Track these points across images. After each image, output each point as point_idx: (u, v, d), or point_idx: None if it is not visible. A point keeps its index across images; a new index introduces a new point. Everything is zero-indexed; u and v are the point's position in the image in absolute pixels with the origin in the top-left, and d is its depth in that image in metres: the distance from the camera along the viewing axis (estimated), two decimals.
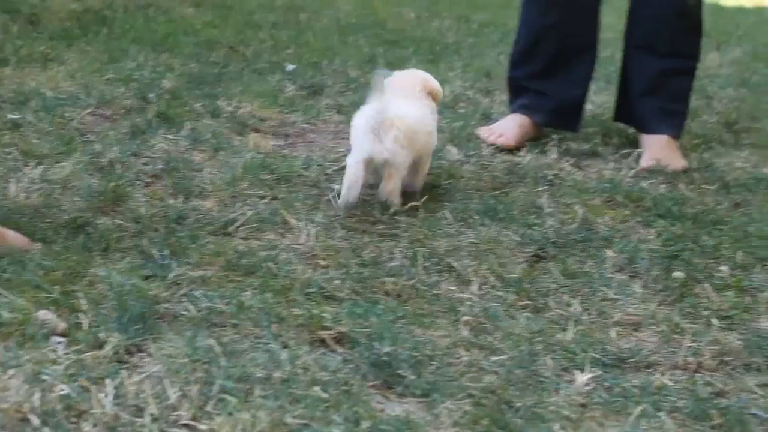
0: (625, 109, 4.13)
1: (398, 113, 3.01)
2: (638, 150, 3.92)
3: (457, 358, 2.25)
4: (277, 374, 2.08)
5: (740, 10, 9.39)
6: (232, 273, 2.57)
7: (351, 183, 3.01)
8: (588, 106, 4.21)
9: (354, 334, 2.28)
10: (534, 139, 3.97)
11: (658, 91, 3.99)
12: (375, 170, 3.06)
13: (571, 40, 3.96)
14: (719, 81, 5.68)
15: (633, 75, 4.08)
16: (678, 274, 2.77)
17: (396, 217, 3.03)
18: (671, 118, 4.00)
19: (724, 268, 2.86)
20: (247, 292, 2.46)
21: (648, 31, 3.95)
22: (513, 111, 4.07)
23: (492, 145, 3.87)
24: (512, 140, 3.88)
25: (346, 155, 3.53)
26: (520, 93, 4.08)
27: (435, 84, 3.31)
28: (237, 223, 2.88)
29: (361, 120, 3.05)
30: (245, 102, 4.11)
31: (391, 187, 3.04)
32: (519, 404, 2.07)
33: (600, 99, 4.64)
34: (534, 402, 2.08)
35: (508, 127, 3.96)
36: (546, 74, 4.00)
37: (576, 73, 4.02)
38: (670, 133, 3.97)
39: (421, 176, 3.23)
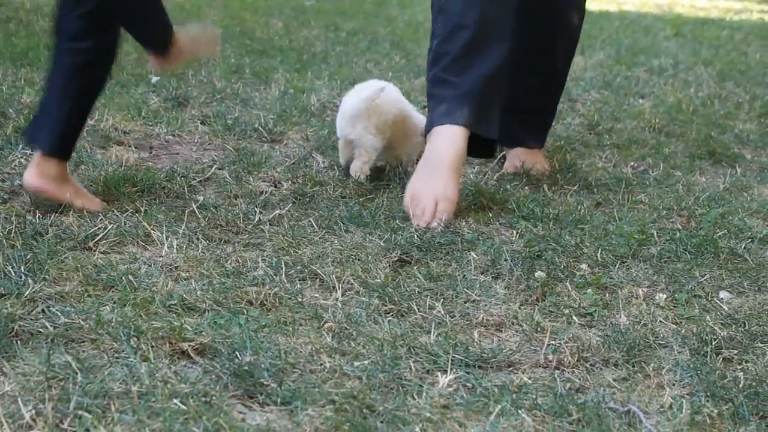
0: None
1: (372, 105, 3.44)
2: (503, 152, 3.97)
3: (320, 365, 2.24)
4: (135, 388, 2.04)
5: (605, 14, 9.59)
6: (91, 288, 2.51)
7: (343, 158, 3.56)
8: None
9: (216, 345, 2.26)
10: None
11: (528, 106, 3.93)
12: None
13: (490, 22, 3.45)
14: (583, 84, 5.80)
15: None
16: (540, 274, 2.80)
17: (261, 227, 3.02)
18: (539, 132, 4.02)
19: (584, 266, 2.91)
20: (106, 307, 2.42)
21: (524, 48, 3.75)
22: (437, 123, 3.41)
23: None
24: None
25: (210, 166, 3.53)
26: (437, 94, 3.47)
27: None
28: (97, 238, 2.83)
29: (343, 107, 3.51)
30: (108, 115, 4.04)
31: (359, 165, 3.47)
32: (381, 408, 2.06)
33: None
34: (396, 405, 2.08)
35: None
36: (461, 61, 3.44)
37: (488, 58, 3.44)
38: (536, 147, 3.98)
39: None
